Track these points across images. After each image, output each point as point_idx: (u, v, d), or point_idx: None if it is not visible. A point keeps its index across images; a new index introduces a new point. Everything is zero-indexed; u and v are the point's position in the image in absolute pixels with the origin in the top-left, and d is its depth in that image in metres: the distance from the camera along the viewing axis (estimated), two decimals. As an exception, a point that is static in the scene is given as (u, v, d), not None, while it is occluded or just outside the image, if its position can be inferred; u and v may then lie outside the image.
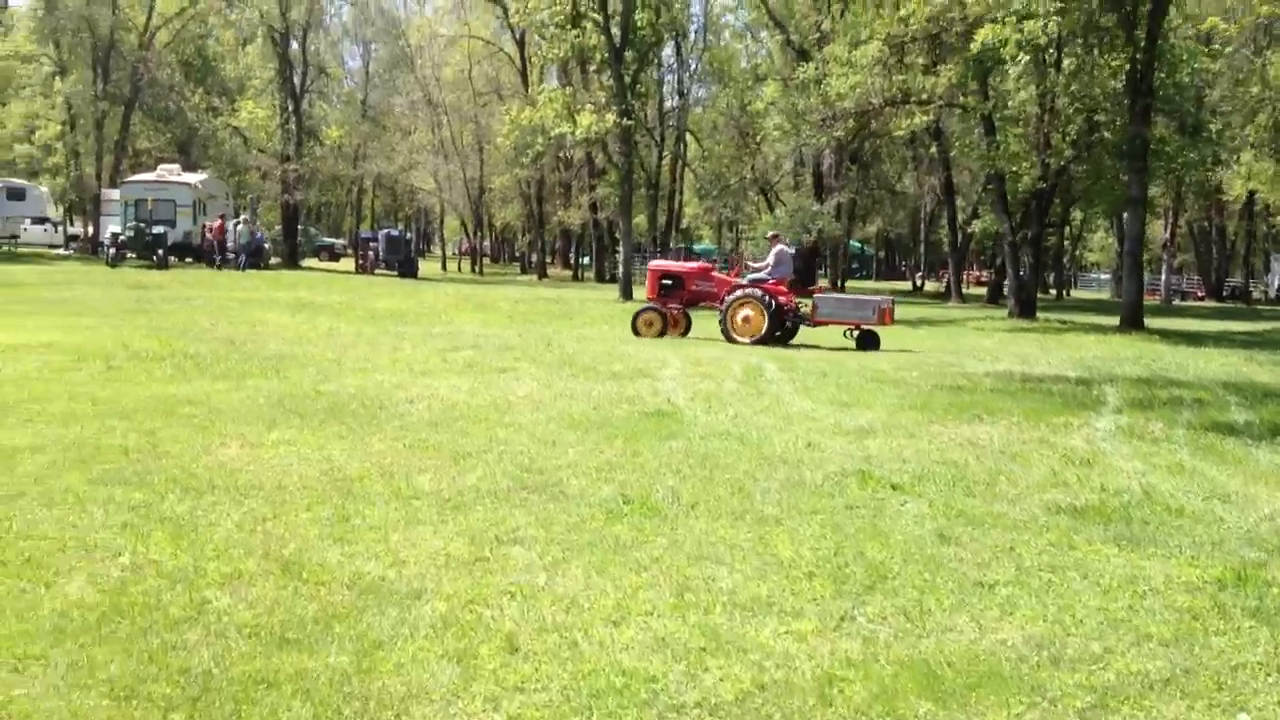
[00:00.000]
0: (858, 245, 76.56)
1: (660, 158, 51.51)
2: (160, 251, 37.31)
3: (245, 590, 5.24)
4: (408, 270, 42.38)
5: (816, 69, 29.07)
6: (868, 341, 19.13)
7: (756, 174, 54.67)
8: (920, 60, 28.23)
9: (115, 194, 44.63)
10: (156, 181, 43.13)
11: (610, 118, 27.88)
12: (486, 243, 60.78)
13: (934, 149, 43.62)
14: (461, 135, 51.56)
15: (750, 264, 22.27)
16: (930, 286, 63.41)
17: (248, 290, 28.40)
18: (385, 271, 43.43)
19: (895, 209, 66.98)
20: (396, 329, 18.93)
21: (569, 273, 58.44)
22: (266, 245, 44.19)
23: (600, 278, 49.67)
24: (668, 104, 52.25)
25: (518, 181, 51.79)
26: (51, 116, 59.17)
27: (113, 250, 37.42)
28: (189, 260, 40.96)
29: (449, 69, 55.01)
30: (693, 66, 52.68)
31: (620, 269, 31.97)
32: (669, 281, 20.21)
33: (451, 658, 4.56)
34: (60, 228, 57.75)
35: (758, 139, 53.47)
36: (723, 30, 58.65)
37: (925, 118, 30.30)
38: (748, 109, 52.52)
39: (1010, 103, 28.10)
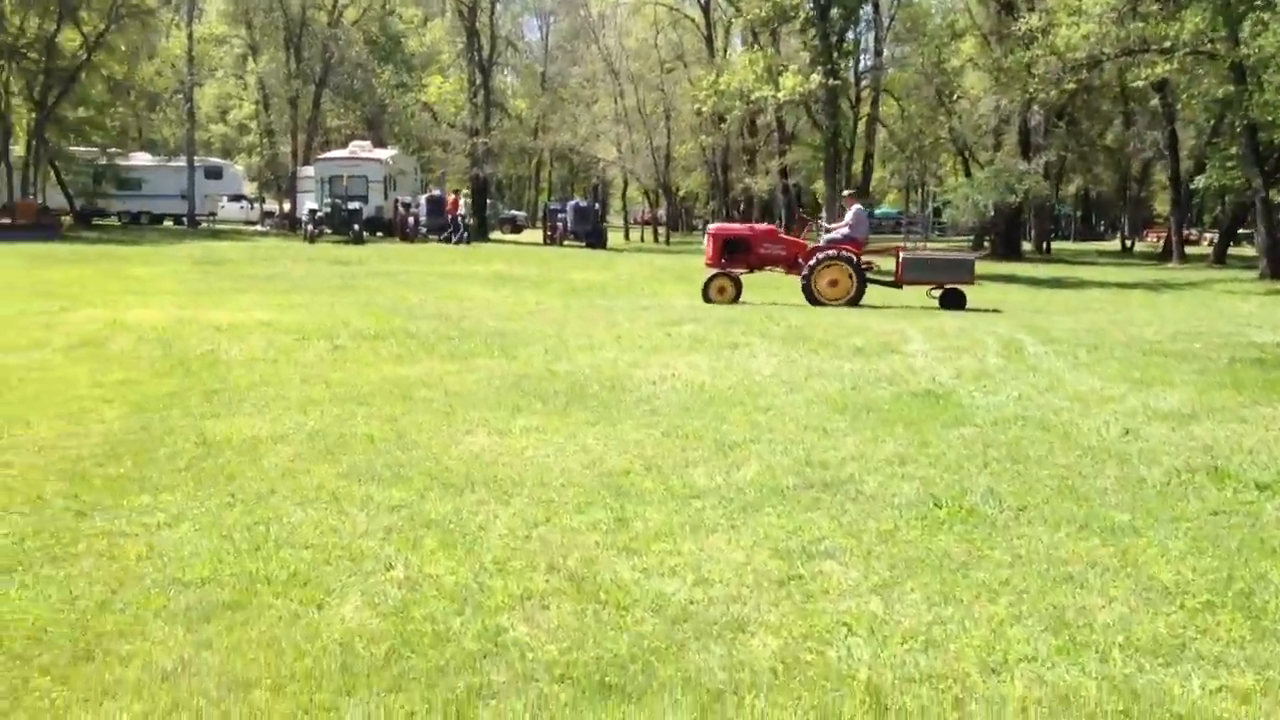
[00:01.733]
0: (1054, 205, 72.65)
1: (856, 119, 49.58)
2: (356, 227, 37.81)
3: (541, 616, 4.49)
4: (596, 241, 41.93)
5: (1040, 19, 27.10)
6: (953, 300, 18.62)
7: (954, 134, 52.28)
8: (1156, 6, 25.97)
9: (309, 171, 45.57)
10: (349, 158, 43.80)
11: (815, 78, 26.62)
12: (661, 212, 60.13)
13: (1155, 101, 40.57)
14: (645, 104, 50.81)
15: (823, 225, 20.96)
16: (1140, 247, 59.70)
17: (444, 264, 28.31)
18: (573, 243, 43.10)
19: (1100, 166, 63.40)
20: (604, 303, 18.26)
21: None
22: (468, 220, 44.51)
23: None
24: (863, 63, 50.32)
25: (702, 149, 50.82)
26: (244, 97, 61.00)
27: (310, 226, 38.11)
28: (379, 235, 41.48)
29: (631, 38, 54.30)
30: (886, 23, 50.50)
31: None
32: (734, 245, 19.14)
33: (811, 717, 3.70)
34: (255, 204, 59.71)
35: (953, 97, 51.03)
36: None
37: (1169, 67, 27.89)
38: (942, 66, 50.11)
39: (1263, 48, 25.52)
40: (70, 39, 47.00)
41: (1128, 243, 56.92)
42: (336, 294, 18.44)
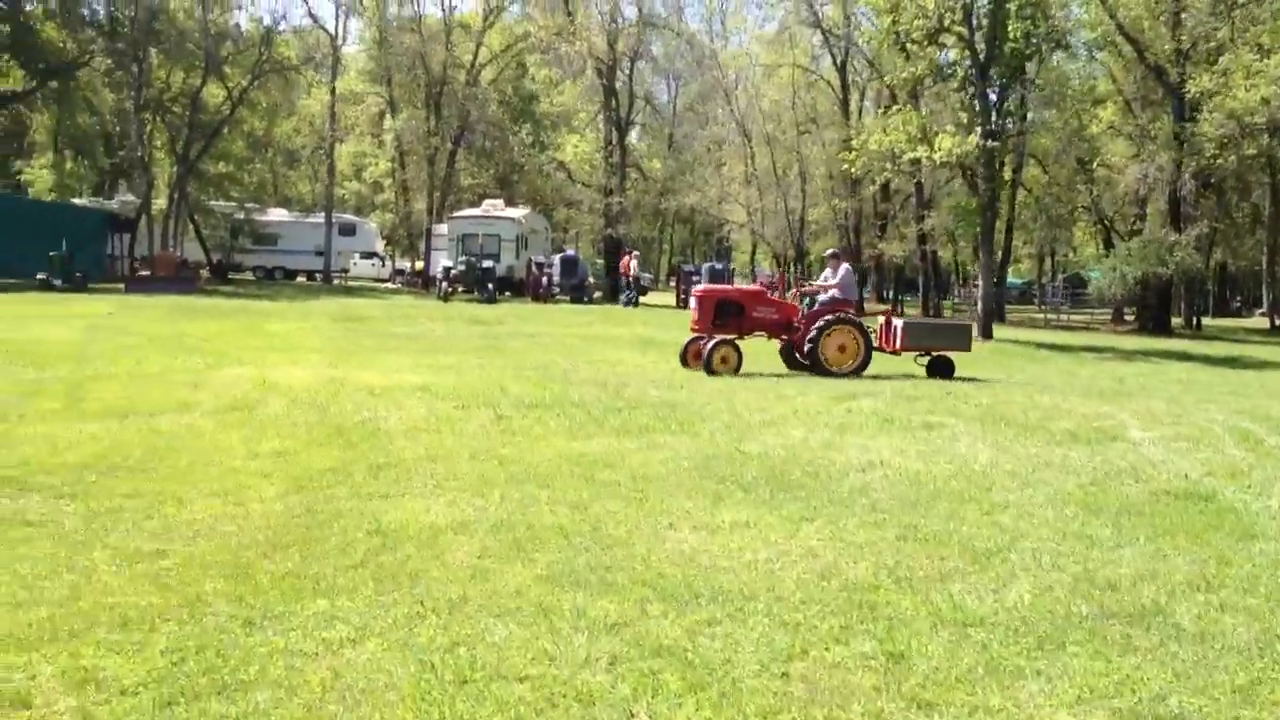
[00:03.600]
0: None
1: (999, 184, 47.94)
2: (490, 286, 37.49)
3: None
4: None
5: (1211, 80, 25.54)
6: (941, 368, 17.33)
7: (1094, 202, 50.31)
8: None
9: (443, 229, 45.65)
10: (483, 216, 43.71)
11: (974, 139, 25.36)
12: (777, 274, 58.92)
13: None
14: (777, 166, 49.90)
15: (810, 284, 18.84)
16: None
17: (583, 326, 27.59)
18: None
19: (1244, 238, 60.50)
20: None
21: (883, 306, 55.53)
22: (590, 280, 44.08)
23: (927, 313, 46.64)
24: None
25: (834, 212, 49.64)
26: (379, 155, 61.83)
27: (445, 284, 37.92)
28: (507, 294, 41.09)
29: (764, 100, 53.58)
30: (1032, 85, 48.82)
31: (979, 305, 29.25)
32: (726, 308, 17.03)
33: None
34: (385, 261, 60.28)
35: (1093, 164, 49.13)
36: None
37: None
38: (1083, 133, 48.29)
39: None
40: (213, 94, 48.21)
41: (1277, 320, 53.76)
42: (483, 356, 17.75)
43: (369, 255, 58.89)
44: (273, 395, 11.12)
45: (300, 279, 53.68)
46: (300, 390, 11.53)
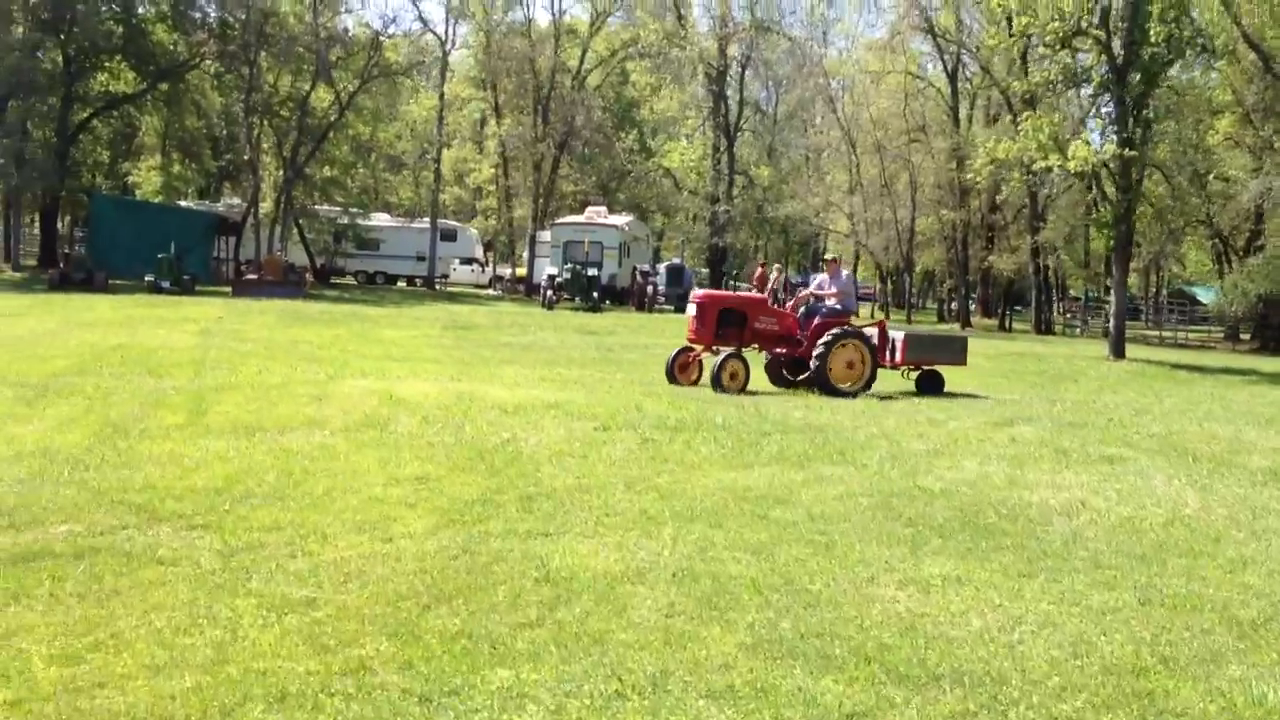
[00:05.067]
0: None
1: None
2: (595, 294, 36.89)
3: None
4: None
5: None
6: (932, 383, 15.97)
7: (1210, 215, 48.19)
8: None
9: (546, 235, 45.20)
10: (586, 224, 43.11)
11: (1110, 148, 24.02)
12: (883, 286, 57.56)
13: None
14: (884, 174, 48.67)
15: (805, 291, 16.60)
16: None
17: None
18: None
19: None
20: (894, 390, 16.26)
21: (990, 321, 53.85)
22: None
23: (1039, 329, 44.95)
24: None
25: (941, 223, 48.23)
26: (480, 161, 61.62)
27: (550, 292, 37.43)
28: (606, 302, 40.39)
29: (869, 108, 52.36)
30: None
31: (1111, 322, 27.84)
32: (728, 318, 15.05)
33: None
34: (485, 267, 60.12)
35: (1210, 176, 47.03)
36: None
37: None
38: (1199, 144, 46.23)
39: None
40: (320, 98, 48.41)
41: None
42: (602, 369, 17.12)
43: (468, 261, 58.76)
44: (402, 412, 10.52)
45: (401, 284, 53.72)
46: (430, 406, 10.92)
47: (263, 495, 7.23)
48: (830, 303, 15.45)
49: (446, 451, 8.83)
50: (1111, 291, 29.92)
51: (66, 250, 50.30)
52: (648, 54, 49.79)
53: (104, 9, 46.58)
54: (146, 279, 34.59)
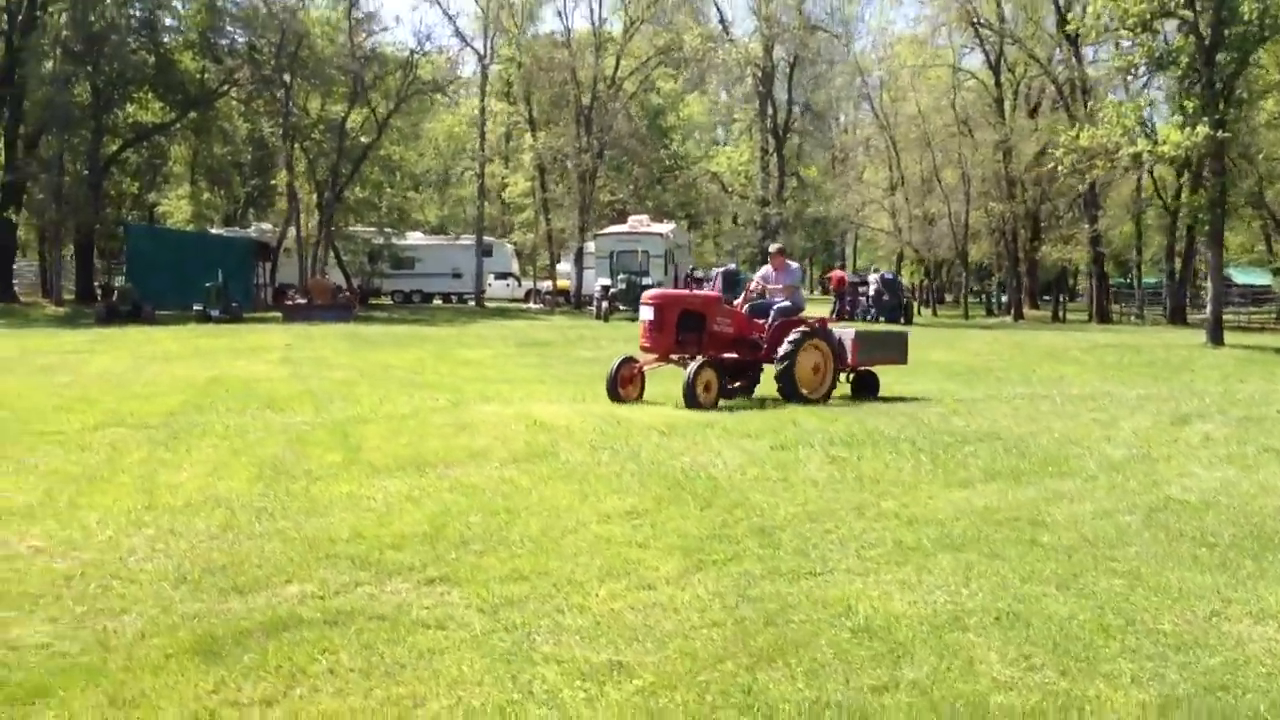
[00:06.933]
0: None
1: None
2: (648, 305, 36.15)
3: None
4: (894, 317, 39.03)
5: None
6: (867, 386, 14.26)
7: (1252, 198, 47.34)
8: None
9: (590, 246, 44.59)
10: (630, 233, 42.44)
11: (1202, 130, 23.22)
12: (922, 282, 56.71)
13: None
14: (936, 169, 47.75)
15: (760, 283, 14.35)
16: None
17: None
18: (869, 320, 40.05)
19: None
20: (1021, 389, 15.61)
21: (1038, 312, 52.84)
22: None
23: (1102, 318, 44.02)
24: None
25: (988, 216, 47.33)
26: (509, 173, 60.86)
27: (604, 304, 36.82)
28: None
29: (908, 101, 51.60)
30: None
31: (1209, 308, 27.06)
32: (688, 321, 13.27)
33: None
34: (520, 281, 59.50)
35: (1259, 155, 46.18)
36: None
37: None
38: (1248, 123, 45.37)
39: None
40: (351, 119, 47.91)
41: None
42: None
43: (503, 276, 58.16)
44: (559, 438, 9.90)
45: (436, 301, 53.18)
46: (581, 431, 10.31)
47: (481, 540, 6.61)
48: (780, 300, 13.83)
49: (638, 481, 8.20)
50: (1209, 278, 29.23)
51: (101, 283, 49.97)
52: (684, 60, 49.08)
53: (130, 40, 46.26)
54: (195, 308, 34.08)
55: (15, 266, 49.32)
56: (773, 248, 15.02)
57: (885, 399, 13.83)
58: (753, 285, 14.45)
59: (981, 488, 8.02)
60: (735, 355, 13.59)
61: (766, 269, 14.54)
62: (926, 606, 5.36)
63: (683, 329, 13.22)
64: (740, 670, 4.60)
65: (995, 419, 11.63)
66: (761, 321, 13.79)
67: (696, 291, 14.47)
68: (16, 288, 46.50)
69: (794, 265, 14.62)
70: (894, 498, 7.66)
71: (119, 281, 45.23)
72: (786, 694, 4.34)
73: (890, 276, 41.15)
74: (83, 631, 5.05)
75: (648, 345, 13.45)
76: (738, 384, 13.56)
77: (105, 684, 4.41)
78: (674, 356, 13.35)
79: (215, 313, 33.93)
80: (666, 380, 13.43)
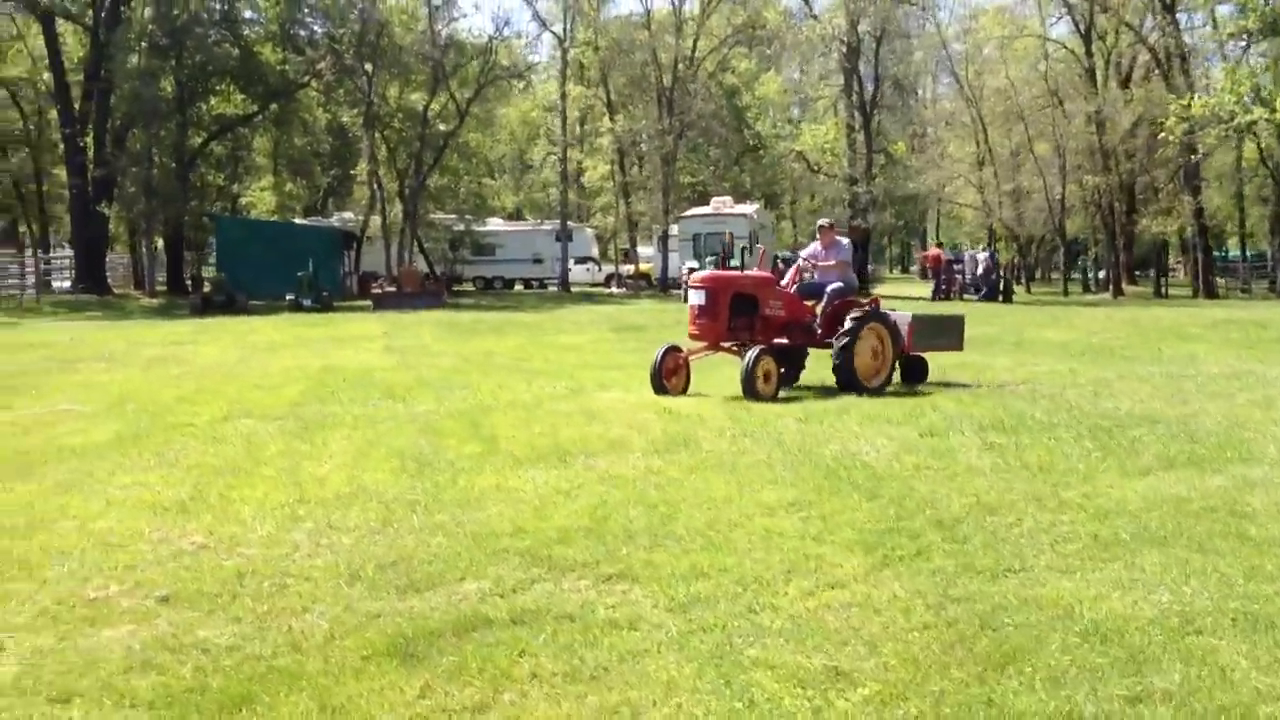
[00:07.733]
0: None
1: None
2: (738, 286, 35.72)
3: None
4: (991, 295, 38.21)
5: None
6: (917, 372, 13.10)
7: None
8: None
9: (674, 229, 44.23)
10: (713, 214, 41.95)
11: (1327, 96, 22.36)
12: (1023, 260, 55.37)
13: None
14: (1027, 141, 46.52)
15: (807, 262, 13.29)
16: None
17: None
18: (969, 297, 39.25)
19: None
20: (1154, 368, 15.00)
21: (1137, 288, 51.18)
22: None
23: (1209, 293, 42.39)
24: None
25: (1083, 189, 45.98)
26: (590, 158, 60.50)
27: (693, 287, 36.40)
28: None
29: (997, 74, 50.32)
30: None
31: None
32: (741, 305, 12.34)
33: None
34: (600, 266, 59.22)
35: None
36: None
37: None
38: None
39: None
40: (433, 108, 47.92)
41: None
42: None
43: (582, 260, 57.98)
44: (694, 427, 9.65)
45: (518, 287, 53.18)
46: (714, 419, 10.06)
47: (646, 534, 6.35)
48: (833, 280, 12.82)
49: (791, 471, 7.90)
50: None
51: (192, 274, 50.69)
52: (763, 38, 48.39)
53: (212, 33, 46.72)
54: (288, 298, 34.35)
55: (108, 259, 50.08)
56: (822, 222, 13.85)
57: (1006, 382, 13.32)
58: (801, 263, 13.43)
59: (1162, 475, 7.60)
60: (786, 341, 12.63)
61: (815, 246, 13.49)
62: (1152, 607, 4.99)
63: (735, 314, 12.30)
64: (971, 679, 4.28)
65: (1143, 400, 11.19)
66: (811, 303, 12.91)
67: (750, 273, 13.10)
68: (109, 281, 47.26)
69: (844, 241, 13.61)
70: (1072, 488, 7.27)
71: (207, 272, 45.86)
72: (1031, 706, 4.01)
73: (993, 254, 40.24)
74: (269, 633, 4.88)
75: (697, 333, 12.49)
76: (781, 371, 12.40)
77: (308, 689, 4.23)
78: (724, 344, 12.56)
79: (307, 302, 34.20)
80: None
